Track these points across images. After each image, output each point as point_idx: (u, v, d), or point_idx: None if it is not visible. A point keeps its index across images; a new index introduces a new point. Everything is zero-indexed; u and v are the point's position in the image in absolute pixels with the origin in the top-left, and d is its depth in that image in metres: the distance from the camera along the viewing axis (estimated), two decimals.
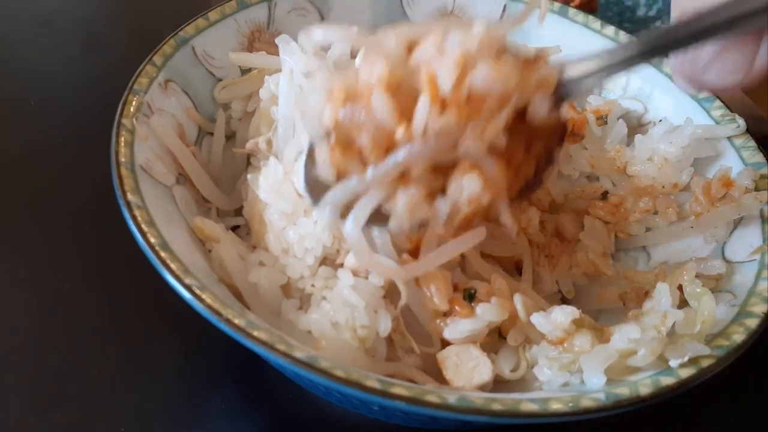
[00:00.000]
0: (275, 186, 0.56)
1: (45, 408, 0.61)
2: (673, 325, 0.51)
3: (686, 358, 0.46)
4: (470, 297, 0.55)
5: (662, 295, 0.54)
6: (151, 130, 0.59)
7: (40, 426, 0.60)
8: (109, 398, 0.62)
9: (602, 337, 0.51)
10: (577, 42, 0.76)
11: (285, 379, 0.62)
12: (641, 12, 1.08)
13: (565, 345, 0.51)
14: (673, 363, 0.47)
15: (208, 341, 0.67)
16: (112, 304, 0.69)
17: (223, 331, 0.46)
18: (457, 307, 0.54)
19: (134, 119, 0.57)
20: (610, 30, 0.76)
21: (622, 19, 1.08)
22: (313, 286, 0.56)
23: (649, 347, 0.47)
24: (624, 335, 0.50)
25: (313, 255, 0.56)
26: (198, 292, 0.46)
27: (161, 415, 0.62)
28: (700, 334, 0.49)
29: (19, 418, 0.60)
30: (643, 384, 0.45)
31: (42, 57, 0.96)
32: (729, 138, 0.66)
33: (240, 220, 0.64)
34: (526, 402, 0.43)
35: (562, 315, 0.52)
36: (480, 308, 0.54)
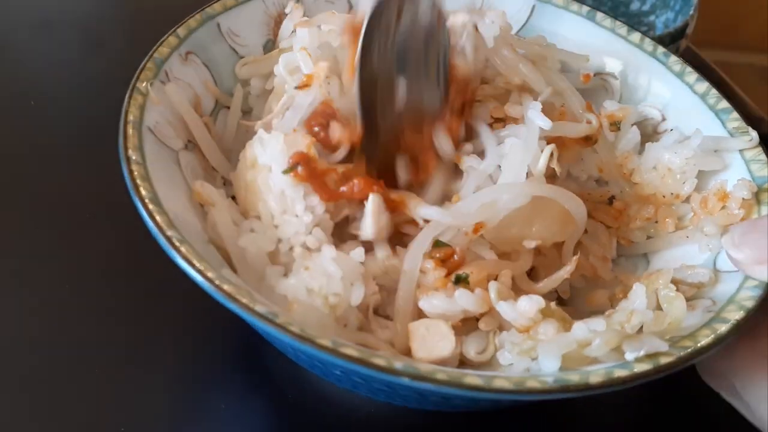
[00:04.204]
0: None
1: (45, 408, 0.62)
2: (642, 327, 0.51)
3: (642, 352, 0.46)
4: (459, 280, 0.56)
5: (637, 296, 0.54)
6: (166, 96, 0.62)
7: (40, 426, 0.61)
8: (109, 398, 0.63)
9: (569, 328, 0.52)
10: (601, 45, 0.76)
11: (287, 376, 0.64)
12: (635, 6, 1.07)
13: (531, 332, 0.52)
14: (629, 356, 0.47)
15: (209, 340, 0.69)
16: (112, 304, 0.70)
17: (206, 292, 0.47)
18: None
19: (150, 84, 0.60)
20: (636, 36, 0.76)
21: (617, 14, 1.06)
22: (305, 246, 0.57)
23: (605, 337, 0.47)
24: (587, 327, 0.50)
25: (311, 213, 0.57)
26: (177, 244, 0.49)
27: (161, 415, 0.63)
28: (663, 333, 0.49)
29: (19, 418, 0.61)
30: (596, 374, 0.46)
31: (42, 57, 0.98)
32: (740, 151, 0.65)
33: None
34: (471, 376, 0.44)
35: (529, 304, 0.52)
36: (458, 293, 0.55)
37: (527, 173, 0.59)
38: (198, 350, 0.67)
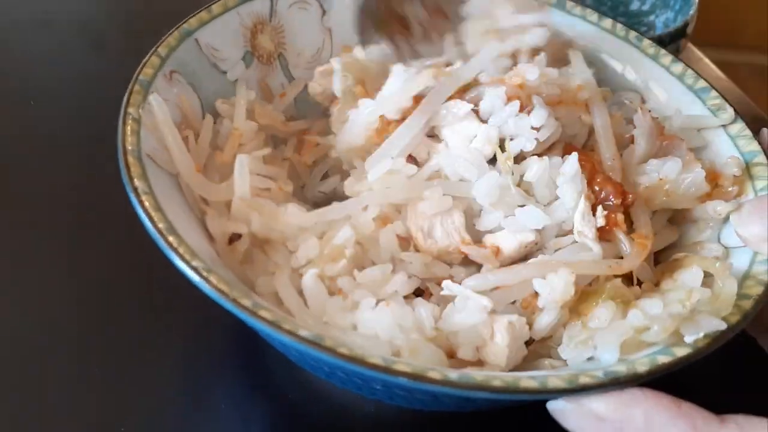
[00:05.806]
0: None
1: (45, 408, 0.61)
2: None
3: (701, 334, 0.48)
4: None
5: (693, 274, 0.55)
6: (154, 118, 0.59)
7: (40, 426, 0.60)
8: (109, 398, 0.63)
9: (626, 309, 0.52)
10: (573, 33, 0.77)
11: (287, 376, 0.63)
12: (635, 6, 1.09)
13: (587, 318, 0.53)
14: (688, 339, 0.48)
15: (209, 340, 0.68)
16: (112, 304, 0.69)
17: (229, 312, 0.46)
18: None
19: (140, 108, 0.58)
20: (608, 23, 0.77)
21: (616, 13, 1.08)
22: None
23: (663, 325, 0.48)
24: (645, 309, 0.51)
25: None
26: (205, 274, 0.47)
27: (161, 415, 0.63)
28: (717, 311, 0.50)
29: (20, 418, 0.61)
30: (641, 362, 0.47)
31: (42, 57, 0.96)
32: (725, 127, 0.67)
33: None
34: (526, 379, 0.44)
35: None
36: None
37: None
38: (198, 350, 0.67)
